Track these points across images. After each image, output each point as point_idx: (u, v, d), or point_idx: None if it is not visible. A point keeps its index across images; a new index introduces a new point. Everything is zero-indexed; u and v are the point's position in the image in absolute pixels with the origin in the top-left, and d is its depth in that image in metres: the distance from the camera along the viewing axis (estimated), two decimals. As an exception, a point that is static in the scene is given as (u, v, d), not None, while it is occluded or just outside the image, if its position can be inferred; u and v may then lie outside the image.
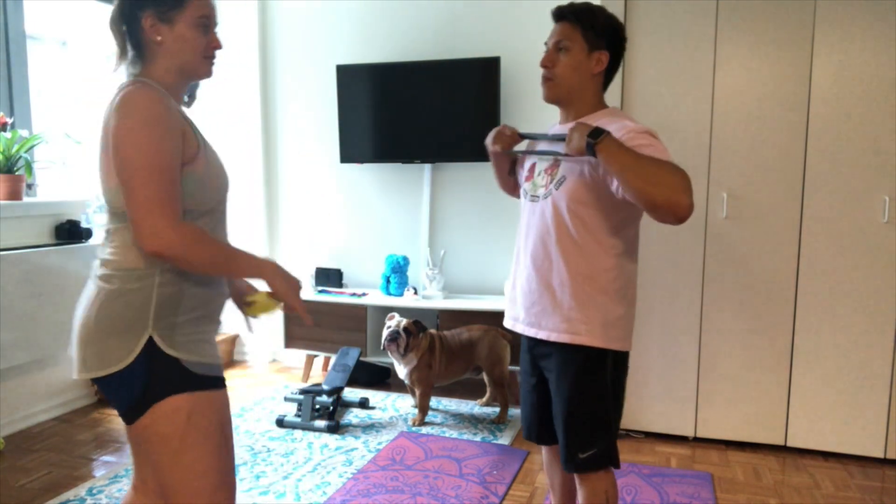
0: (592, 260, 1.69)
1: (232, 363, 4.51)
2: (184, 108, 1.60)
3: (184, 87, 1.57)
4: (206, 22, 1.49)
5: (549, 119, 4.10)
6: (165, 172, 1.35)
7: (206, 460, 1.45)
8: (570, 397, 1.73)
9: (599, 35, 1.72)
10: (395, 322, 3.35)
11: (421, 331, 3.36)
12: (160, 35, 1.46)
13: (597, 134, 1.52)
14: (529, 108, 3.92)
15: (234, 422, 3.37)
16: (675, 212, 1.52)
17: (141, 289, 1.41)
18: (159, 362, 1.40)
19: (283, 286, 1.48)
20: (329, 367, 3.66)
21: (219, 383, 1.50)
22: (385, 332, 3.34)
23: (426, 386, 3.39)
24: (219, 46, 1.55)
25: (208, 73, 1.57)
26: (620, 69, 3.09)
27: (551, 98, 1.79)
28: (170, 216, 1.34)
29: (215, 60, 1.56)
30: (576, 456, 1.75)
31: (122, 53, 1.52)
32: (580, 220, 1.68)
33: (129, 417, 1.44)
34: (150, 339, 1.40)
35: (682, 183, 1.54)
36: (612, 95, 3.04)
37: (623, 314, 1.71)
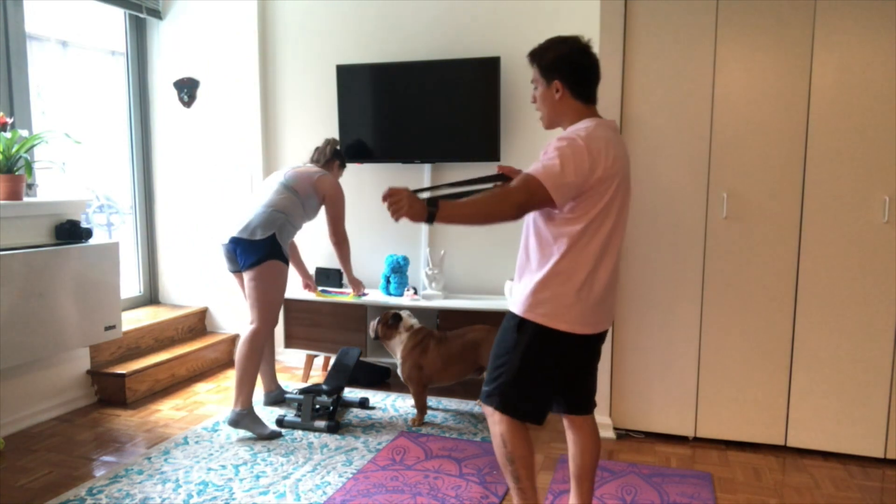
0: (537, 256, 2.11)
1: (232, 363, 4.50)
2: None
3: None
4: None
5: (549, 119, 4.07)
6: None
7: (273, 291, 3.23)
8: (495, 343, 2.18)
9: (549, 68, 2.06)
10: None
11: (393, 319, 3.44)
12: None
13: (433, 202, 1.96)
14: (529, 108, 3.90)
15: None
16: (509, 219, 1.98)
17: (277, 217, 3.22)
18: (275, 244, 3.19)
19: None
20: (329, 367, 3.66)
21: (287, 262, 3.30)
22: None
23: (417, 384, 3.38)
24: None
25: None
26: (620, 69, 3.10)
27: (546, 126, 2.16)
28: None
29: None
30: (485, 386, 2.17)
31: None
32: (536, 227, 2.11)
33: (250, 267, 3.17)
34: (273, 234, 3.17)
35: (501, 203, 1.94)
36: (612, 95, 3.05)
37: (548, 297, 2.03)
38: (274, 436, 3.19)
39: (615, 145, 2.02)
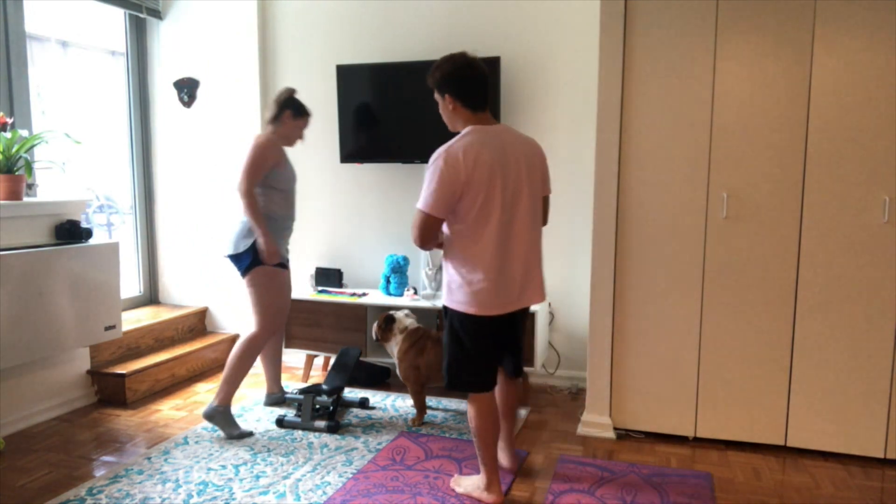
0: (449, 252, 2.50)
1: (232, 363, 4.51)
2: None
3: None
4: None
5: (548, 119, 4.11)
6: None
7: (268, 296, 3.21)
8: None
9: (439, 85, 2.46)
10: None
11: (386, 322, 3.45)
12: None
13: None
14: (529, 108, 3.93)
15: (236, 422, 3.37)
16: (431, 246, 2.47)
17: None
18: (256, 251, 3.13)
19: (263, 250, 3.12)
20: (329, 367, 3.66)
21: (283, 266, 3.28)
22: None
23: (414, 384, 3.39)
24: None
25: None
26: (620, 69, 3.10)
27: (450, 130, 2.53)
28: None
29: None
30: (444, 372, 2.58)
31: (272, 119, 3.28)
32: (444, 230, 2.49)
33: (243, 276, 3.20)
34: (254, 242, 3.13)
35: (412, 236, 2.43)
36: (612, 95, 3.05)
37: (458, 288, 2.42)
38: (243, 436, 3.19)
39: (482, 147, 2.33)
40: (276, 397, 3.64)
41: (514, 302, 2.46)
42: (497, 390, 2.64)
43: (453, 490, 2.65)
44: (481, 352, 2.48)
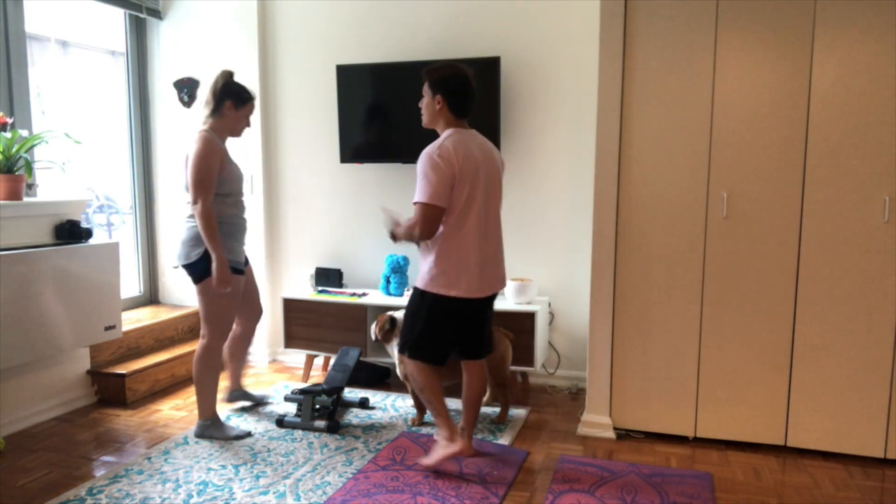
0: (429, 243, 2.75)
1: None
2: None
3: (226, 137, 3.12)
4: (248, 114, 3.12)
5: (548, 118, 4.11)
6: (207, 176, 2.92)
7: (217, 305, 3.06)
8: (406, 307, 2.87)
9: (436, 85, 2.71)
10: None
11: (390, 324, 3.44)
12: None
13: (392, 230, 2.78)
14: (529, 108, 3.93)
15: (235, 422, 3.38)
16: (432, 237, 2.68)
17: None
18: (209, 259, 2.96)
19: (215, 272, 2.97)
20: (329, 367, 3.66)
21: (240, 272, 3.11)
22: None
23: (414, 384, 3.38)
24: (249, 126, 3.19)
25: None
26: (620, 69, 3.10)
27: (424, 125, 2.81)
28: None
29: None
30: (400, 340, 2.89)
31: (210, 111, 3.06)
32: None
33: (195, 284, 3.04)
34: (205, 250, 2.96)
35: (414, 231, 2.65)
36: (612, 95, 3.05)
37: (440, 272, 2.68)
38: (241, 436, 3.18)
39: (467, 146, 2.65)
40: (237, 394, 3.59)
41: (486, 287, 2.76)
42: (464, 379, 2.91)
43: (422, 465, 2.83)
44: (450, 331, 2.78)
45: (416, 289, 2.78)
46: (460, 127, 2.73)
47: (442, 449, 2.80)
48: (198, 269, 3.01)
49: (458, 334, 2.81)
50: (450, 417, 2.85)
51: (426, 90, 2.74)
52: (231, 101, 3.02)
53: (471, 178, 2.64)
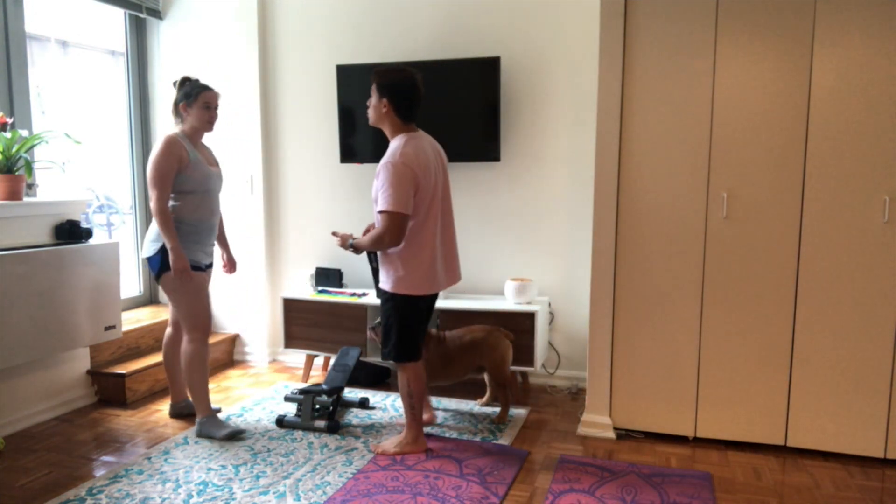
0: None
1: (232, 363, 4.51)
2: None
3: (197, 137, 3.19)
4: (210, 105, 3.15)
5: (548, 117, 4.10)
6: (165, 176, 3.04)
7: (184, 302, 3.14)
8: (380, 314, 2.98)
9: (383, 88, 2.77)
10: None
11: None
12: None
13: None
14: (529, 108, 3.93)
15: (235, 422, 3.38)
16: (398, 244, 2.75)
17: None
18: (165, 255, 3.04)
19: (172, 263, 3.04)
20: (329, 367, 3.66)
21: (198, 269, 3.16)
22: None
23: None
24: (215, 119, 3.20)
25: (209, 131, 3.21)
26: (620, 69, 3.10)
27: (370, 124, 2.89)
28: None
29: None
30: (383, 350, 2.97)
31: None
32: None
33: (157, 277, 3.13)
34: (162, 246, 3.05)
35: (381, 244, 2.74)
36: (612, 95, 3.05)
37: (405, 275, 2.79)
38: (234, 435, 3.19)
39: (425, 150, 2.76)
40: (181, 407, 3.51)
41: (447, 281, 2.95)
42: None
43: (380, 454, 2.98)
44: (421, 327, 2.95)
45: (384, 292, 2.86)
46: (409, 130, 2.82)
47: (405, 445, 2.99)
48: (156, 263, 3.12)
49: (423, 325, 2.98)
50: (422, 424, 3.05)
51: (374, 91, 2.80)
52: (182, 102, 3.14)
53: (432, 183, 2.76)
